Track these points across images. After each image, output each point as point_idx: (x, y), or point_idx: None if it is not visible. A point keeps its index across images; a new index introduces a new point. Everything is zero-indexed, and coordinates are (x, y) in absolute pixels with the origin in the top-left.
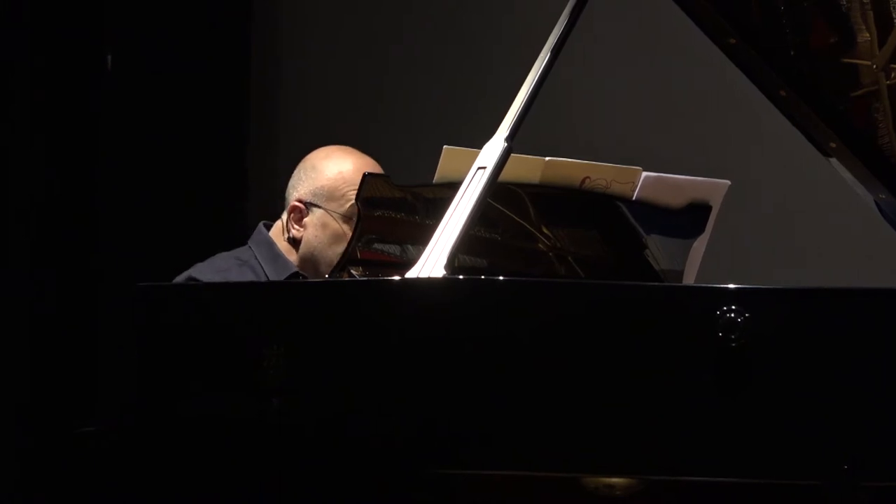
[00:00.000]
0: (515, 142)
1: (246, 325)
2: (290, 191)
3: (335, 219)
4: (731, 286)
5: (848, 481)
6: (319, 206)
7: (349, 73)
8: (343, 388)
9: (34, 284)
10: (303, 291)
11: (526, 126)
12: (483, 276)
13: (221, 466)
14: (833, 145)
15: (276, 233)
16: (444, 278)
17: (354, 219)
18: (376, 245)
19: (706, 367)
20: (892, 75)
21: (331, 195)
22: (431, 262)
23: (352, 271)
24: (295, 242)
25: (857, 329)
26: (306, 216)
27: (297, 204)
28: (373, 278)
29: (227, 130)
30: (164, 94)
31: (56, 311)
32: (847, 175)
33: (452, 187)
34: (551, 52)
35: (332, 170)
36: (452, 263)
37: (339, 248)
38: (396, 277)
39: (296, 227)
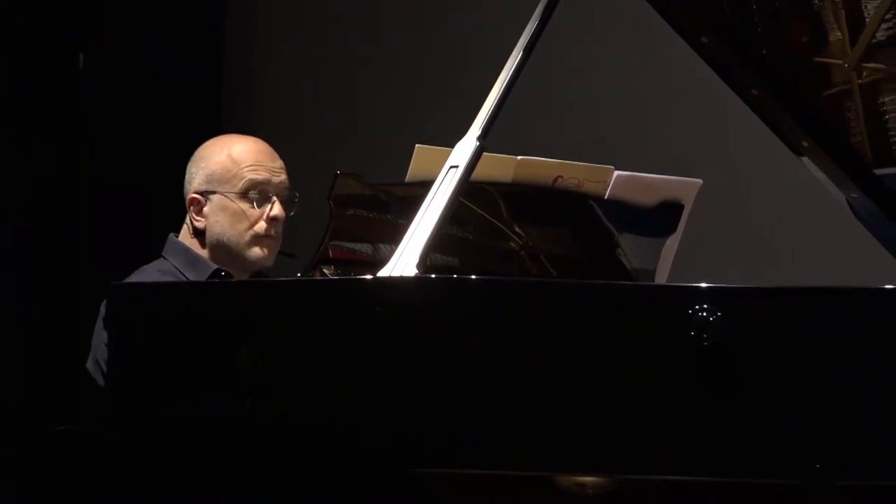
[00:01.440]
0: (488, 141)
1: (219, 323)
2: (186, 187)
3: (232, 199)
4: (704, 285)
5: (821, 481)
6: (215, 192)
7: (322, 73)
8: (315, 386)
9: (17, 282)
10: (275, 290)
11: (498, 125)
12: (455, 276)
13: (197, 465)
14: (805, 144)
15: (186, 237)
16: (416, 277)
17: (261, 194)
18: (348, 244)
19: (678, 367)
20: (864, 74)
21: (223, 178)
22: (403, 261)
23: (324, 270)
24: (201, 235)
25: (828, 328)
26: (205, 206)
27: (194, 196)
28: (344, 277)
29: (199, 131)
30: (138, 94)
31: (39, 311)
32: (819, 174)
33: (425, 186)
34: (523, 51)
35: (219, 153)
36: (424, 262)
37: (242, 226)
38: (368, 276)
39: (197, 218)
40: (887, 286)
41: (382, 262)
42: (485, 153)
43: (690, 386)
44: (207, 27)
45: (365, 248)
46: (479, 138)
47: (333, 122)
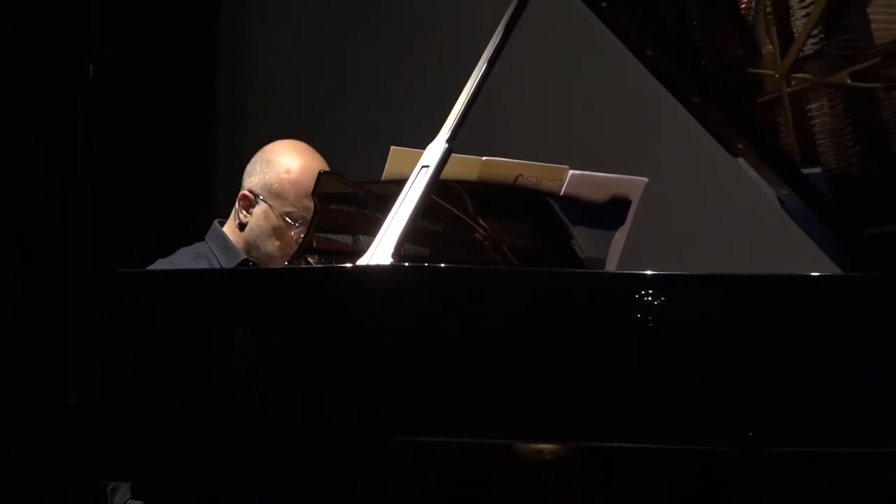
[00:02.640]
0: (456, 142)
1: (215, 309)
2: (245, 178)
3: (276, 215)
4: (649, 273)
5: (753, 447)
6: (265, 201)
7: (307, 82)
8: (302, 365)
9: (16, 277)
10: (265, 278)
11: (466, 127)
12: (426, 264)
13: (192, 438)
14: (741, 147)
15: (229, 226)
16: (391, 265)
17: (294, 218)
18: (331, 235)
19: (626, 346)
20: (793, 83)
21: (277, 193)
22: (380, 251)
23: (308, 259)
24: (241, 228)
25: (757, 310)
26: (254, 206)
27: (246, 193)
28: (327, 265)
29: (195, 137)
30: (142, 101)
31: (34, 302)
32: (753, 173)
33: (399, 184)
34: (488, 62)
35: (282, 169)
36: (399, 252)
37: (276, 242)
38: (348, 265)
39: (243, 212)
40: (812, 273)
41: (361, 252)
42: (453, 154)
43: (637, 363)
44: (202, 33)
45: (346, 239)
46: (448, 140)
47: (317, 128)
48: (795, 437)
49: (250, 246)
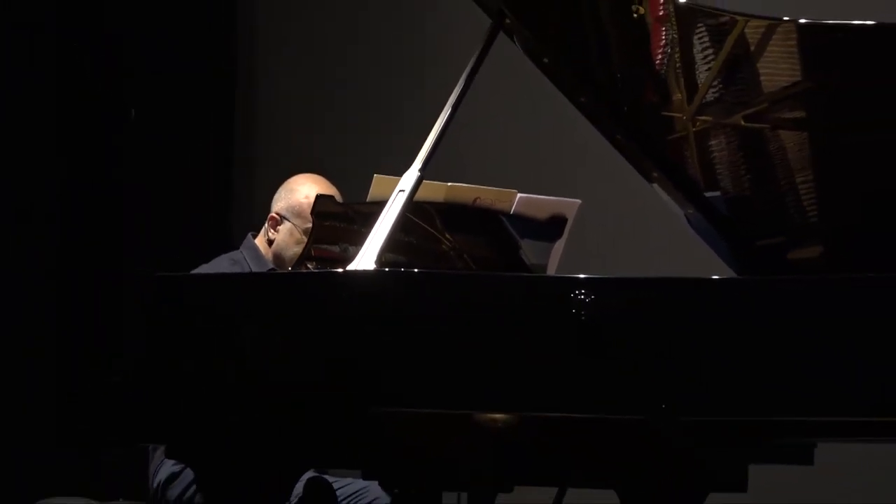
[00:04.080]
0: (426, 171)
1: (237, 307)
2: (274, 203)
3: (298, 231)
4: (581, 276)
5: (667, 415)
6: (289, 220)
7: (313, 114)
8: (303, 349)
9: (68, 279)
10: (276, 280)
11: (434, 159)
12: (403, 269)
13: (212, 409)
14: (655, 175)
15: (260, 239)
16: (374, 270)
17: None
18: (326, 246)
19: (564, 335)
20: (697, 124)
21: (298, 213)
22: (365, 259)
23: (308, 265)
24: (269, 243)
25: (669, 307)
26: (280, 225)
27: (274, 215)
28: (323, 270)
29: (217, 161)
30: (171, 134)
31: (86, 302)
32: (665, 196)
33: (381, 204)
34: (451, 108)
35: (301, 195)
36: (381, 259)
37: (298, 250)
38: (340, 270)
39: (272, 231)
40: (713, 276)
41: (350, 259)
42: (424, 180)
43: (572, 348)
44: (220, 87)
45: (338, 249)
46: (420, 170)
47: (319, 156)
48: (700, 408)
49: (277, 257)
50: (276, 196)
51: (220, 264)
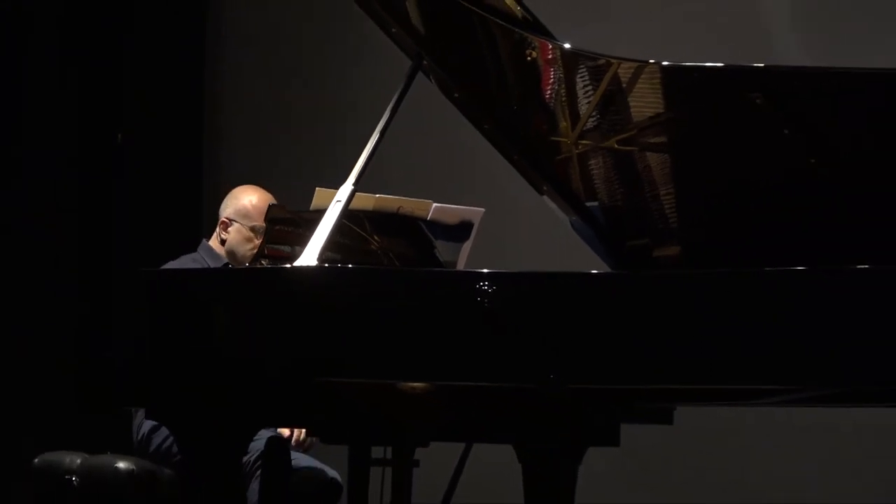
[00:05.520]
0: (359, 185)
1: (208, 295)
2: (221, 210)
3: (245, 229)
4: (485, 271)
5: (554, 383)
6: (237, 222)
7: (271, 134)
8: (260, 329)
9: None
10: (238, 273)
11: (365, 175)
12: (339, 265)
13: (189, 380)
14: (545, 188)
15: (213, 241)
16: (316, 266)
17: (257, 231)
18: (277, 246)
19: (470, 319)
20: (580, 147)
21: (244, 215)
22: (308, 256)
23: (262, 262)
24: (222, 243)
25: (558, 295)
26: (230, 227)
27: (224, 219)
28: (274, 266)
29: (188, 176)
30: (153, 157)
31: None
32: (553, 205)
33: (322, 212)
34: (380, 133)
35: (245, 200)
36: (321, 257)
37: (248, 246)
38: (288, 265)
39: (224, 232)
40: (593, 271)
41: (297, 257)
42: (357, 192)
43: (477, 330)
44: (190, 117)
45: (287, 248)
46: (354, 183)
47: (272, 172)
48: (580, 378)
49: (230, 254)
50: (224, 204)
51: (184, 262)
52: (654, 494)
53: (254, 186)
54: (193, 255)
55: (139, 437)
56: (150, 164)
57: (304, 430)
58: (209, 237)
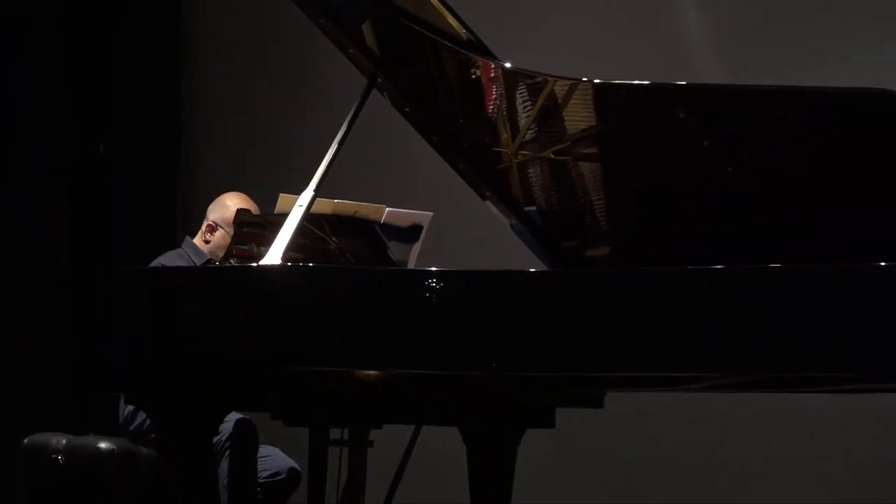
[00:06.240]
0: (319, 190)
1: (183, 290)
2: (209, 214)
3: (227, 235)
4: (433, 269)
5: (496, 371)
6: (222, 228)
7: (240, 145)
8: (228, 322)
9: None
10: (209, 271)
11: (326, 181)
12: (301, 264)
13: (167, 363)
14: (488, 194)
15: (198, 239)
16: (279, 265)
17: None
18: (244, 246)
19: (419, 313)
20: (519, 157)
21: (227, 222)
22: (272, 256)
23: (231, 261)
24: (206, 243)
25: (491, 291)
26: (215, 231)
27: (211, 223)
28: (241, 265)
29: (164, 182)
30: (133, 165)
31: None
32: (494, 209)
33: (285, 215)
34: (338, 143)
35: (231, 210)
36: (284, 257)
37: (226, 250)
38: (254, 264)
39: (209, 234)
40: (531, 269)
41: (261, 257)
42: (317, 198)
43: (426, 324)
44: (167, 128)
45: (253, 248)
46: (315, 189)
47: (246, 180)
48: (519, 366)
49: (212, 253)
50: (211, 207)
51: (171, 257)
52: (588, 474)
53: (239, 194)
54: (178, 251)
55: (125, 415)
56: (129, 166)
57: None
58: (193, 235)
